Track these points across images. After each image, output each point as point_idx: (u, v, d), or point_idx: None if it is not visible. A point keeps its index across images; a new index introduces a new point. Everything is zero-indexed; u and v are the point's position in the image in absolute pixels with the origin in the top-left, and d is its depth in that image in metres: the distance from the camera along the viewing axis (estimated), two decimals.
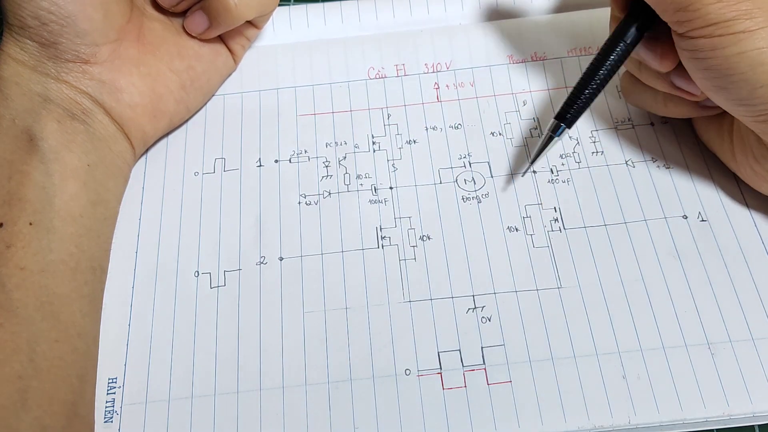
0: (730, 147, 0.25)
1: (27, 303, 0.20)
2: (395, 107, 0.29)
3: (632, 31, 0.23)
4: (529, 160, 0.25)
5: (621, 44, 0.23)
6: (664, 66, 0.23)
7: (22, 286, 0.20)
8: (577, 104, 0.24)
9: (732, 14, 0.20)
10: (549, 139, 0.24)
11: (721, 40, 0.20)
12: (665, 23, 0.22)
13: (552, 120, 0.24)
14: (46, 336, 0.20)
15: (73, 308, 0.21)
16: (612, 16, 0.25)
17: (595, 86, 0.23)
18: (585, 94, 0.24)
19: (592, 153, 0.27)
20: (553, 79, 0.29)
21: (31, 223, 0.21)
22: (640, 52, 0.24)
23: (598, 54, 0.24)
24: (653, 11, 0.22)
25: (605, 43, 0.24)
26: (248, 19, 0.26)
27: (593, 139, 0.28)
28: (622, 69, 0.25)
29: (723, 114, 0.25)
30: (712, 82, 0.21)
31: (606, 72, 0.23)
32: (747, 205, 0.25)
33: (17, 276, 0.20)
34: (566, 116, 0.24)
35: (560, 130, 0.24)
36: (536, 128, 0.28)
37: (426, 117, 0.29)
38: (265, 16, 0.28)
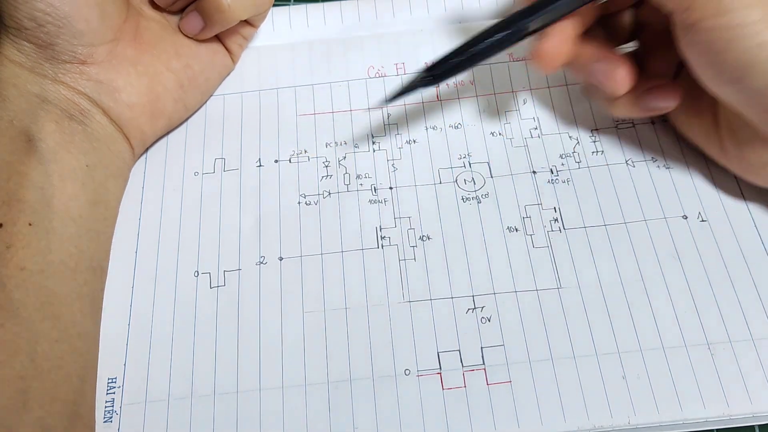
0: (717, 139, 0.24)
1: (27, 303, 0.20)
2: (395, 106, 0.29)
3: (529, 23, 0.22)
4: (386, 98, 0.25)
5: (520, 33, 0.22)
6: (619, 90, 0.23)
7: (22, 287, 0.20)
8: (452, 62, 0.23)
9: (737, 3, 0.19)
10: (413, 88, 0.24)
11: (739, 31, 0.19)
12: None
13: (423, 72, 0.24)
14: (47, 336, 0.20)
15: (73, 308, 0.21)
16: None
17: (477, 51, 0.23)
18: (464, 55, 0.23)
19: (592, 153, 0.27)
20: (553, 77, 0.29)
21: (30, 224, 0.21)
22: (596, 73, 0.23)
23: (498, 23, 0.23)
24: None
25: (507, 19, 0.23)
26: (243, 19, 0.26)
27: (593, 138, 0.27)
28: None
29: (702, 107, 0.24)
30: (726, 76, 0.21)
31: (485, 48, 0.22)
32: (747, 205, 0.25)
33: (17, 276, 0.20)
34: (437, 69, 0.23)
35: (426, 82, 0.23)
36: (536, 128, 0.28)
37: (426, 116, 0.28)
38: (261, 15, 0.28)
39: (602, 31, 0.25)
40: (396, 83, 0.29)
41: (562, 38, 0.23)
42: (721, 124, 0.24)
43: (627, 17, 0.26)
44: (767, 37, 0.19)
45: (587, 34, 0.24)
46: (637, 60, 0.25)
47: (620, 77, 0.23)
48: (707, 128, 0.25)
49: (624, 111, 0.25)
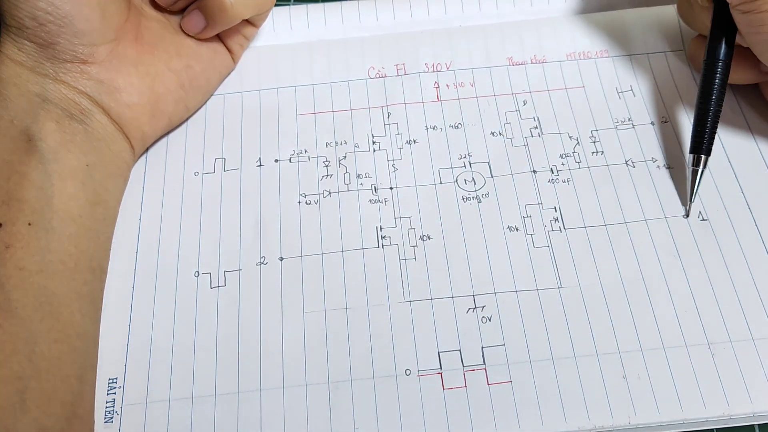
0: None
1: (26, 303, 0.20)
2: (395, 105, 0.29)
3: (723, 46, 0.24)
4: (689, 200, 0.25)
5: (720, 64, 0.24)
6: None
7: (21, 287, 0.20)
8: (707, 131, 0.24)
9: None
10: (695, 174, 0.25)
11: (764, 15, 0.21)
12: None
13: (690, 155, 0.25)
14: (45, 336, 0.20)
15: (72, 308, 0.21)
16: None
17: (713, 110, 0.24)
18: (709, 119, 0.24)
19: (592, 153, 0.27)
20: (552, 81, 0.29)
21: (30, 224, 0.21)
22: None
23: (703, 77, 0.25)
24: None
25: (704, 65, 0.25)
26: (245, 18, 0.26)
27: (593, 138, 0.28)
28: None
29: None
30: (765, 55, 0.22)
31: (717, 94, 0.24)
32: (747, 204, 0.25)
33: (16, 276, 0.20)
34: (701, 147, 0.25)
35: (702, 162, 0.25)
36: (536, 127, 0.28)
37: (426, 116, 0.28)
38: (263, 14, 0.28)
39: None
40: (396, 82, 0.29)
41: None
42: None
43: None
44: None
45: None
46: None
47: None
48: None
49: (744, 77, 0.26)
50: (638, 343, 0.23)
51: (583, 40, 0.30)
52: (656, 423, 0.21)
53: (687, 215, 0.25)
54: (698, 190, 0.25)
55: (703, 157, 0.25)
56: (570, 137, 0.28)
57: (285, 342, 0.23)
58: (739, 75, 0.26)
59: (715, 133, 0.25)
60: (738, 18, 0.23)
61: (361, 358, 0.23)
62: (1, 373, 0.19)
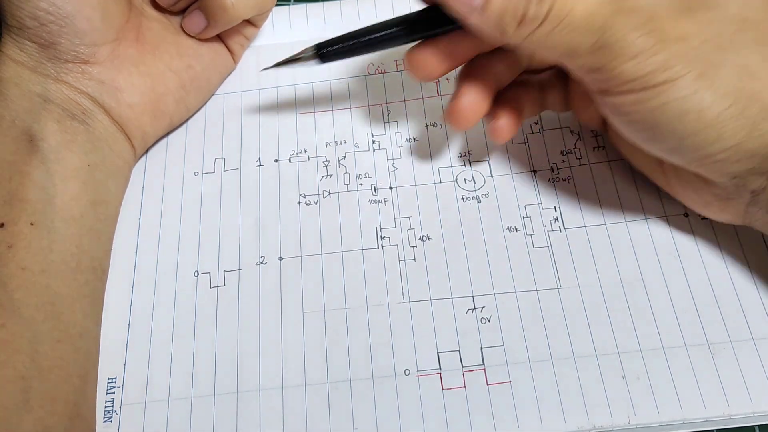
0: (663, 175, 0.24)
1: (29, 303, 0.20)
2: (395, 103, 0.29)
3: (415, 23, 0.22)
4: (274, 62, 0.25)
5: (402, 27, 0.22)
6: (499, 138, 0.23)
7: (24, 287, 0.20)
8: (345, 44, 0.23)
9: (649, 68, 0.18)
10: (296, 60, 0.24)
11: (641, 94, 0.19)
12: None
13: (313, 47, 0.24)
14: (48, 336, 0.20)
15: (74, 308, 0.21)
16: None
17: (369, 38, 0.23)
18: (358, 40, 0.23)
19: (594, 148, 0.27)
20: None
21: (32, 224, 0.21)
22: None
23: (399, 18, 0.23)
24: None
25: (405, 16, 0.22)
26: (246, 18, 0.26)
27: (594, 133, 0.27)
28: None
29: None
30: (640, 135, 0.20)
31: (383, 37, 0.22)
32: None
33: (19, 276, 0.20)
34: (325, 47, 0.23)
35: (309, 57, 0.24)
36: (537, 122, 0.28)
37: (426, 113, 0.28)
38: (263, 14, 0.28)
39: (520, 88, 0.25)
40: (396, 78, 0.29)
41: (478, 96, 0.23)
42: (664, 162, 0.23)
43: (548, 76, 0.25)
44: (669, 97, 0.18)
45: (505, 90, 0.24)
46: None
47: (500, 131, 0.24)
48: (652, 164, 0.24)
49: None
50: (638, 343, 0.22)
51: None
52: (656, 423, 0.21)
53: (261, 70, 0.25)
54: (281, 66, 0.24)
55: (314, 54, 0.23)
56: (572, 132, 0.27)
57: (284, 342, 0.23)
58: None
59: (342, 57, 0.23)
60: (604, 101, 0.20)
61: (361, 358, 0.23)
62: (5, 372, 0.19)
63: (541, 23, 0.19)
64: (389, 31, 0.23)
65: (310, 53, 0.24)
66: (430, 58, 0.22)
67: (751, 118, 0.18)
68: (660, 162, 0.23)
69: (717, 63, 0.19)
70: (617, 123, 0.21)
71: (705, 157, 0.20)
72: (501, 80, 0.24)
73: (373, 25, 0.23)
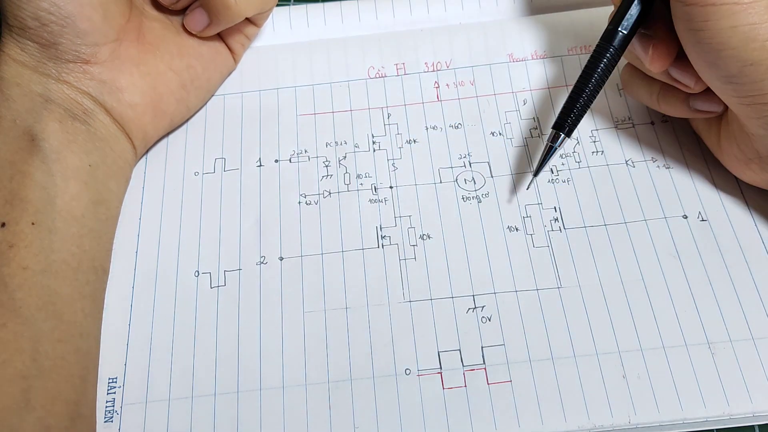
0: (716, 132, 0.25)
1: (30, 303, 0.20)
2: (395, 107, 0.29)
3: (620, 33, 0.23)
4: (532, 172, 0.25)
5: (610, 49, 0.23)
6: (655, 66, 0.23)
7: (25, 286, 0.20)
8: (574, 112, 0.24)
9: None
10: (550, 150, 0.24)
11: (714, 10, 0.20)
12: (658, 21, 0.22)
13: (551, 130, 0.24)
14: (49, 336, 0.20)
15: (75, 308, 0.21)
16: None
17: (589, 92, 0.24)
18: (581, 101, 0.24)
19: (593, 152, 0.27)
20: (553, 78, 0.29)
21: (33, 223, 0.21)
22: (635, 50, 0.24)
23: (590, 58, 0.24)
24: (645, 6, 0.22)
25: (596, 46, 0.24)
26: (248, 17, 0.26)
27: (593, 138, 0.27)
28: (624, 61, 0.25)
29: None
30: (704, 57, 0.21)
31: (599, 76, 0.23)
32: (747, 204, 0.25)
33: (20, 276, 0.20)
34: (565, 125, 0.24)
35: (560, 140, 0.24)
36: (536, 128, 0.28)
37: (426, 116, 0.29)
38: (265, 13, 0.28)
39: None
40: (396, 83, 0.29)
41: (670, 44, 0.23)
42: (721, 122, 0.24)
43: None
44: (740, 21, 0.19)
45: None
46: None
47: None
48: (710, 122, 0.25)
49: (672, 109, 0.25)
50: (638, 342, 0.22)
51: (584, 35, 0.30)
52: (656, 422, 0.21)
53: (528, 188, 0.26)
54: (544, 167, 0.24)
55: (562, 135, 0.24)
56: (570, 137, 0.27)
57: (285, 341, 0.23)
58: (668, 107, 0.25)
59: (582, 117, 0.24)
60: (678, 12, 0.21)
61: (361, 357, 0.23)
62: (6, 372, 0.19)
63: None
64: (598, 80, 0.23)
65: (553, 136, 0.24)
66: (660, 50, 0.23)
67: None
68: (716, 121, 0.24)
69: None
70: (689, 42, 0.21)
71: (759, 93, 0.20)
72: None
73: (586, 74, 0.24)
